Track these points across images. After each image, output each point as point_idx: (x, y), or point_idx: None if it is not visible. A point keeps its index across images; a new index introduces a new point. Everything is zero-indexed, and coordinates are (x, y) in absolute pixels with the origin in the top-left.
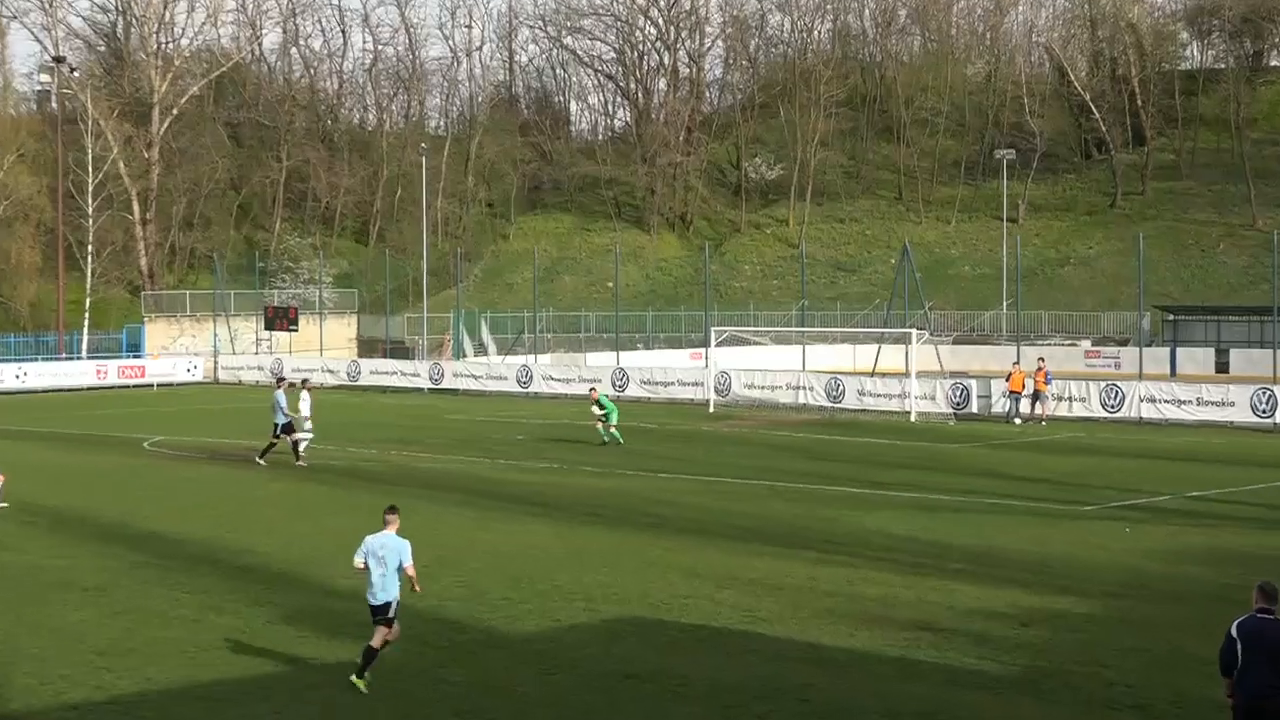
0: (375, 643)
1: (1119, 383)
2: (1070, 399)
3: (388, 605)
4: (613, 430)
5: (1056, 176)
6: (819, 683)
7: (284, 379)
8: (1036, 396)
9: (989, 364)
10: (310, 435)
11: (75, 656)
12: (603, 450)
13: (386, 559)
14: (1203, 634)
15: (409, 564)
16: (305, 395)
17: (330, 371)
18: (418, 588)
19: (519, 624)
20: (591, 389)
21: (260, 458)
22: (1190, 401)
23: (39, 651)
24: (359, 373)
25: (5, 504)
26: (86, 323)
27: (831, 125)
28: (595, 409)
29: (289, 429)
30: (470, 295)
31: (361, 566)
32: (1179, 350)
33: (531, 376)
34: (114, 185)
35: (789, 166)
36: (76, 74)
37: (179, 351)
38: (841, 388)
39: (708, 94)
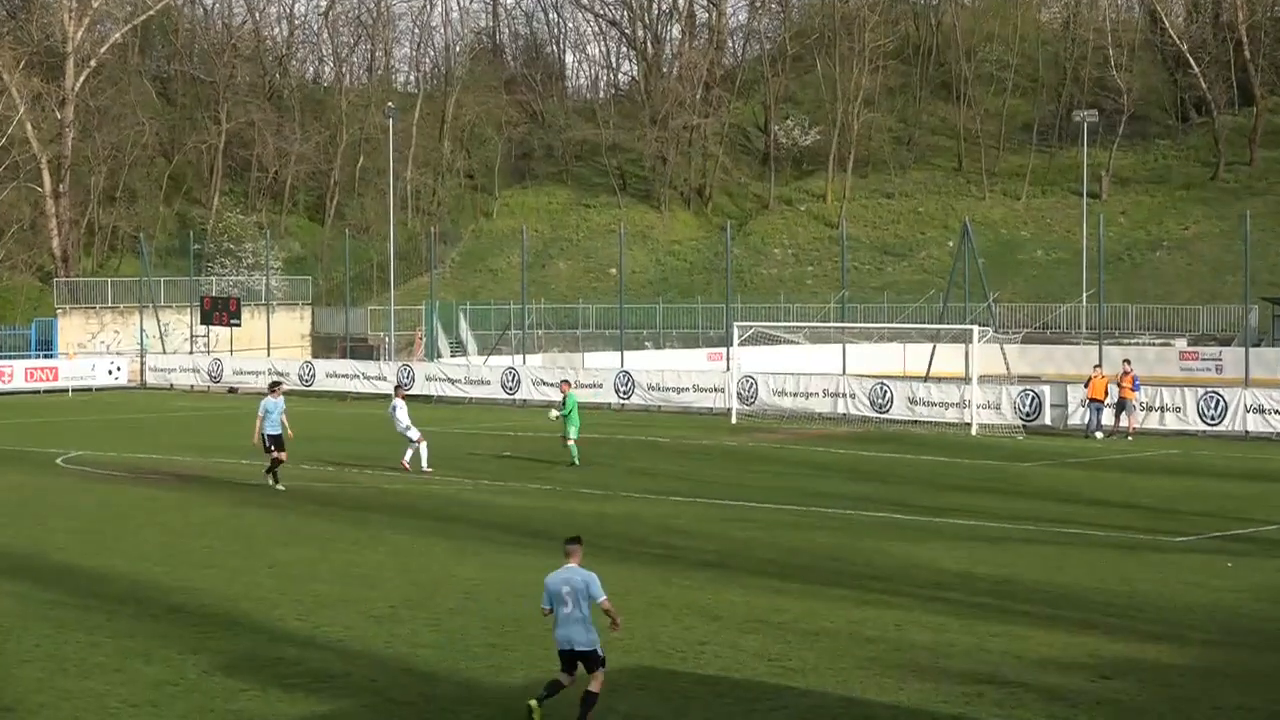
0: (593, 687)
1: (1220, 390)
2: (1162, 409)
3: (586, 652)
4: (570, 444)
5: (1147, 143)
6: None
7: (403, 386)
8: (1122, 406)
9: (1065, 367)
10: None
11: None
12: (604, 469)
13: (571, 597)
14: None
15: (603, 598)
16: (400, 403)
17: (278, 374)
18: (618, 622)
19: (504, 676)
20: (564, 383)
21: (275, 483)
22: None
23: None
24: (313, 376)
25: None
26: None
27: (878, 81)
28: (552, 412)
29: (279, 443)
30: (446, 284)
31: (547, 611)
32: None
33: (519, 381)
34: (20, 151)
35: (827, 131)
36: None
37: (98, 350)
38: (889, 395)
39: (730, 43)
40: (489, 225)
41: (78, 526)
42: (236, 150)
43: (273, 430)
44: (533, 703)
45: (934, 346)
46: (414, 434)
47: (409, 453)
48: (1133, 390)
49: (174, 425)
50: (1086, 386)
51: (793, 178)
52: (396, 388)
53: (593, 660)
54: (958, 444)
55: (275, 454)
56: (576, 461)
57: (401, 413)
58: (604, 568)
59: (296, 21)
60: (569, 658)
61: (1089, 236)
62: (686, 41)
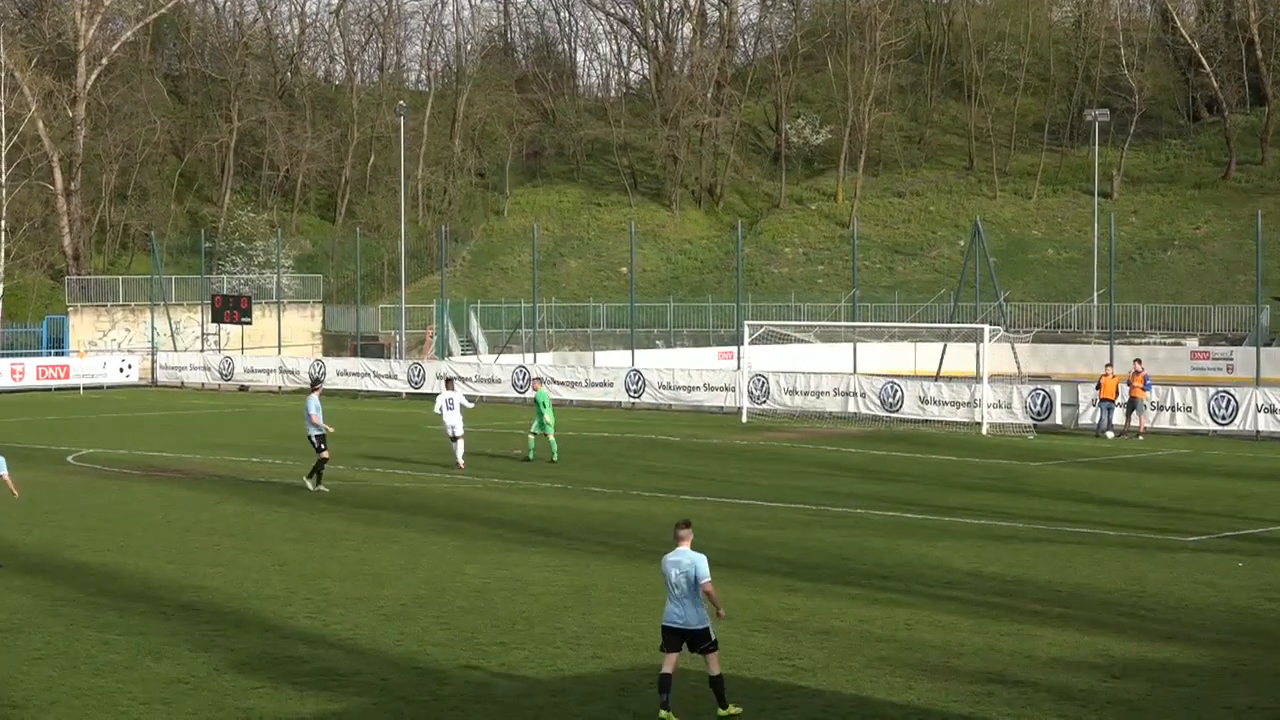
0: (713, 671)
1: (1232, 389)
2: (1173, 408)
3: (695, 633)
4: (550, 440)
5: (1158, 142)
6: None
7: (455, 382)
8: (1133, 405)
9: (1075, 366)
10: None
11: None
12: (615, 468)
13: (683, 577)
14: None
15: (706, 580)
16: (454, 395)
17: (289, 372)
18: (721, 611)
19: (514, 674)
20: (536, 380)
21: (308, 480)
22: None
23: None
24: (324, 374)
25: None
26: None
27: (889, 80)
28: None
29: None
30: (457, 282)
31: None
32: None
33: (530, 379)
34: (32, 149)
35: (838, 130)
36: None
37: (109, 348)
38: (899, 394)
39: (741, 42)
40: (500, 224)
41: (89, 524)
42: (248, 148)
43: (316, 430)
44: (663, 714)
45: (945, 345)
46: (460, 429)
47: (460, 451)
48: (1144, 390)
49: (185, 423)
50: (1097, 386)
51: (804, 176)
52: (449, 381)
53: (701, 638)
54: (968, 443)
55: (322, 451)
56: (531, 456)
57: (458, 408)
58: (614, 566)
59: (308, 20)
60: (674, 635)
61: (1100, 236)
62: (697, 40)
